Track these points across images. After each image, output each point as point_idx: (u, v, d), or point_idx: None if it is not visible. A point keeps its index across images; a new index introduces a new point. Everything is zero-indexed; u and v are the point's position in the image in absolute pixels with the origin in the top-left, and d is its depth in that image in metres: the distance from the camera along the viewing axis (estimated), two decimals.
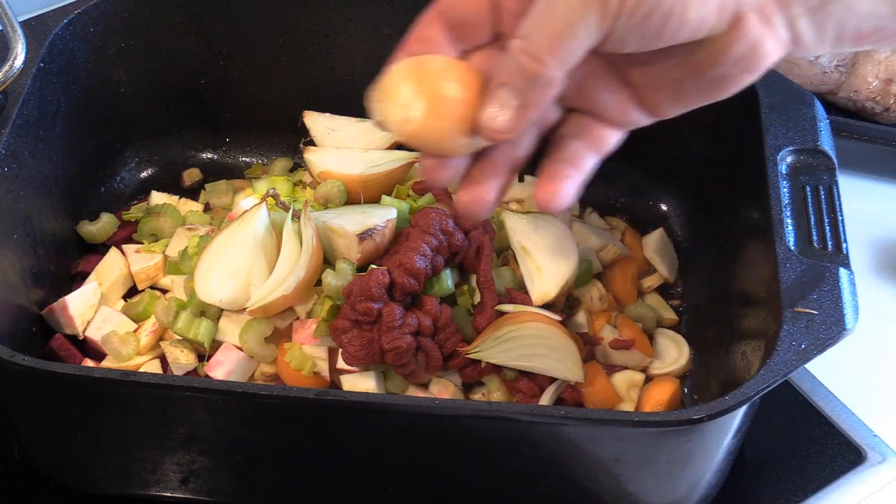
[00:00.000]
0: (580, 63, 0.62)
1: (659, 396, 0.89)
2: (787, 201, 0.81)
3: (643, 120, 0.68)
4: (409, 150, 0.98)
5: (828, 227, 0.79)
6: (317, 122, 1.03)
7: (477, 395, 0.87)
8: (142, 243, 0.97)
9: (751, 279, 0.83)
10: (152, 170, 1.09)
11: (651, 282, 1.00)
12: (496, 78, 0.63)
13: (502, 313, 0.86)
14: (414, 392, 0.86)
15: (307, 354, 0.85)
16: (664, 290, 1.00)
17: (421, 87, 0.63)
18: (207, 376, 0.86)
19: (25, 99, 0.87)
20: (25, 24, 0.90)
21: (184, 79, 1.06)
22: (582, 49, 0.60)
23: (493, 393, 0.86)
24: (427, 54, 0.66)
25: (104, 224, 0.99)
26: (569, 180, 0.67)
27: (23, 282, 0.88)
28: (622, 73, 0.67)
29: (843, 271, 0.75)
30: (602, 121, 0.68)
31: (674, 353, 0.93)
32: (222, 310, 0.87)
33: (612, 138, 0.69)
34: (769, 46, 0.61)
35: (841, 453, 0.89)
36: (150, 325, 0.90)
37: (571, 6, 0.58)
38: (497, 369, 0.85)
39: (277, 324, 0.87)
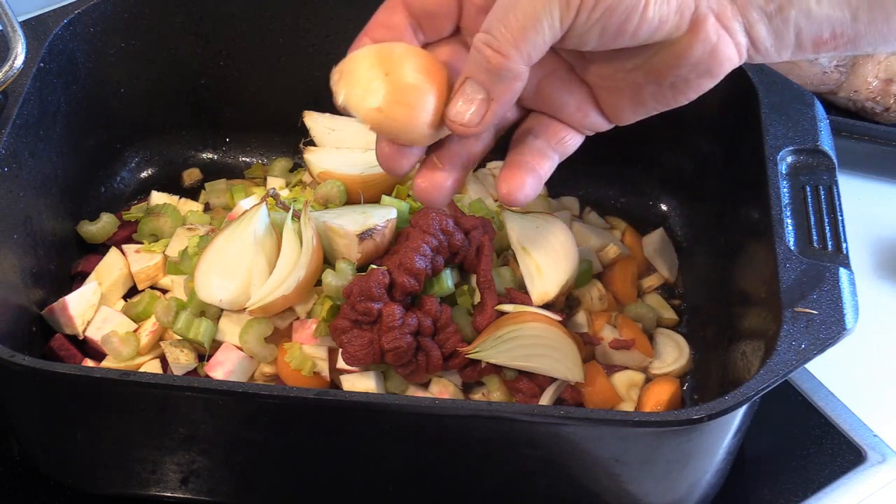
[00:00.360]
0: (542, 62, 0.62)
1: (659, 396, 0.89)
2: (787, 201, 0.81)
3: (603, 125, 0.69)
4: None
5: (828, 227, 0.79)
6: (317, 122, 1.03)
7: (477, 395, 0.87)
8: (142, 243, 0.97)
9: (751, 279, 0.83)
10: (152, 170, 1.09)
11: (651, 282, 1.00)
12: (462, 72, 0.63)
13: (502, 313, 0.86)
14: (414, 392, 0.86)
15: (307, 354, 0.85)
16: (664, 290, 1.00)
17: (387, 74, 0.63)
18: (207, 376, 0.86)
19: (25, 99, 0.87)
20: (25, 24, 0.90)
21: (184, 79, 1.06)
22: (545, 43, 0.61)
23: (493, 393, 0.86)
24: (390, 41, 0.66)
25: (104, 224, 0.99)
26: (531, 175, 0.68)
27: (23, 282, 0.88)
28: (582, 77, 0.67)
29: (843, 271, 0.75)
30: (562, 122, 0.69)
31: (674, 353, 0.93)
32: (222, 310, 0.87)
33: (573, 140, 0.70)
34: (728, 51, 0.62)
35: (841, 453, 0.89)
36: (150, 325, 0.90)
37: (535, 0, 0.59)
38: (497, 369, 0.85)
39: (277, 324, 0.87)
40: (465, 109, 0.63)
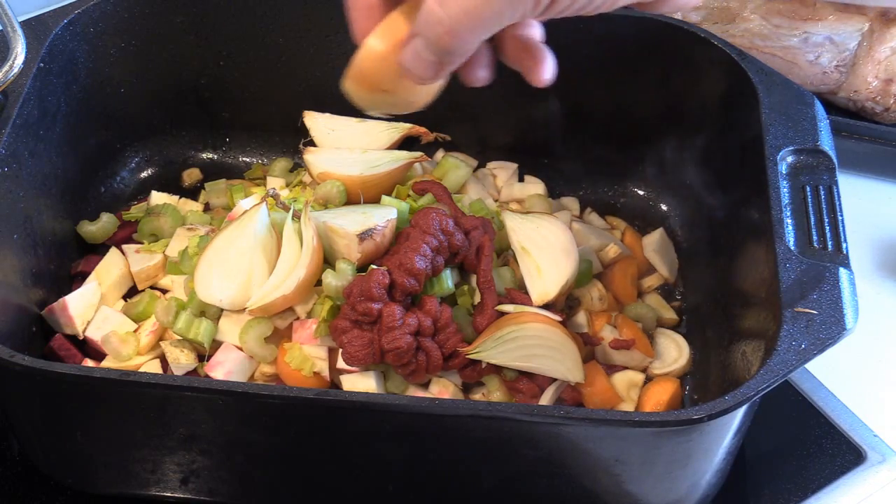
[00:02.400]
0: None
1: (659, 396, 0.89)
2: (787, 201, 0.81)
3: None
4: (410, 150, 0.98)
5: (828, 227, 0.79)
6: (317, 122, 1.03)
7: (477, 395, 0.87)
8: (142, 243, 0.97)
9: (751, 279, 0.83)
10: (152, 170, 1.09)
11: (651, 282, 1.00)
12: (413, 27, 0.62)
13: (502, 313, 0.86)
14: (414, 392, 0.86)
15: (307, 354, 0.85)
16: (664, 290, 1.00)
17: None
18: (207, 376, 0.86)
19: (25, 99, 0.87)
20: (25, 24, 0.90)
21: (184, 79, 1.06)
22: (502, 26, 0.60)
23: (493, 393, 0.86)
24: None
25: (104, 224, 0.99)
26: None
27: (23, 282, 0.88)
28: None
29: (843, 271, 0.75)
30: None
31: (674, 353, 0.93)
32: (222, 310, 0.87)
33: None
34: None
35: (841, 453, 0.89)
36: (150, 325, 0.90)
37: None
38: (497, 369, 0.85)
39: (277, 324, 0.87)
40: (416, 66, 0.62)
